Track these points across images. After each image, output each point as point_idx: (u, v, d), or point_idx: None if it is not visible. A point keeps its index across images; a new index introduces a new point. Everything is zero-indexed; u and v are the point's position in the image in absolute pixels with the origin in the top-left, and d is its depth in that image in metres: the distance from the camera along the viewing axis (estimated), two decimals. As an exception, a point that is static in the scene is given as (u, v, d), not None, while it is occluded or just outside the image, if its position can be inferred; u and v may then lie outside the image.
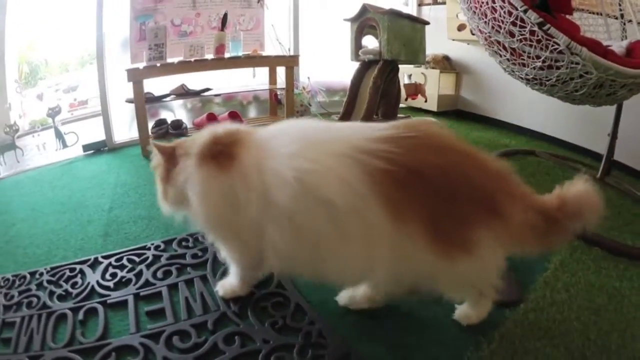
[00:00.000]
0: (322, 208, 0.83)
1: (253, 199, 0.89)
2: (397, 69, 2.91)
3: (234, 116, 2.75)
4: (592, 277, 1.33)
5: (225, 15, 2.62)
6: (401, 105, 3.38)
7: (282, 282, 1.17)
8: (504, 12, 1.68)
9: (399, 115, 3.07)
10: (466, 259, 0.83)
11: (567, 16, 2.22)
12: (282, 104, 3.02)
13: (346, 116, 2.91)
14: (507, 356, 0.98)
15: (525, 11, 1.60)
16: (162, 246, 1.35)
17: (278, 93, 3.09)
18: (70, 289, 1.13)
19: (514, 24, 1.67)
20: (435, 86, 3.52)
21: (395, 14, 2.69)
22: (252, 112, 3.27)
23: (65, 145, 2.41)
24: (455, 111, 3.72)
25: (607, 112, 2.08)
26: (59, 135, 2.39)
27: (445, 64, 3.59)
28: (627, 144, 2.25)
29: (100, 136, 2.44)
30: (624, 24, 2.23)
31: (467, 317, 1.03)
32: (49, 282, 1.16)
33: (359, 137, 0.85)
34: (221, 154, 0.93)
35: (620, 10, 2.22)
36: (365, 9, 2.80)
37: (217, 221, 0.98)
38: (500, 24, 1.72)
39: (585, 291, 1.26)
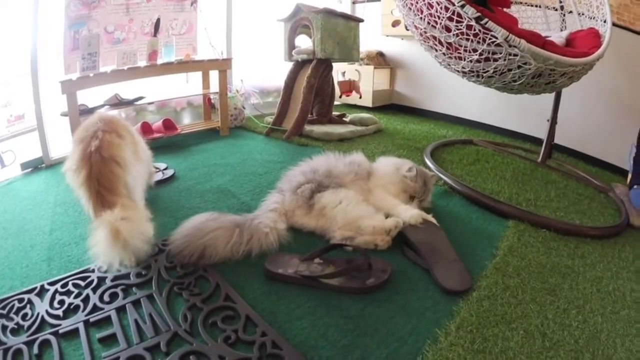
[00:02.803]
0: None
1: None
2: (331, 68, 2.97)
3: (168, 124, 2.75)
4: (542, 259, 1.36)
5: (158, 21, 2.60)
6: (336, 102, 3.47)
7: (229, 294, 1.19)
8: (441, 7, 1.69)
9: (334, 113, 3.14)
10: None
11: (505, 9, 2.29)
12: (216, 108, 3.02)
13: (280, 117, 2.94)
14: (466, 346, 0.99)
15: (462, 6, 1.62)
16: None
17: (212, 97, 3.08)
18: (21, 322, 1.11)
19: (450, 19, 1.69)
20: (370, 82, 3.61)
21: (329, 13, 2.74)
22: (187, 119, 3.23)
23: (3, 165, 2.30)
24: (390, 105, 3.84)
25: (544, 99, 2.12)
26: (-3, 155, 2.29)
27: (379, 59, 3.68)
28: (567, 127, 2.33)
29: (38, 152, 2.35)
30: (564, 15, 2.30)
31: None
32: (0, 315, 1.14)
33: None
34: None
35: (561, 2, 2.30)
36: (299, 8, 2.83)
37: None
38: (437, 19, 1.74)
39: (537, 273, 1.29)
